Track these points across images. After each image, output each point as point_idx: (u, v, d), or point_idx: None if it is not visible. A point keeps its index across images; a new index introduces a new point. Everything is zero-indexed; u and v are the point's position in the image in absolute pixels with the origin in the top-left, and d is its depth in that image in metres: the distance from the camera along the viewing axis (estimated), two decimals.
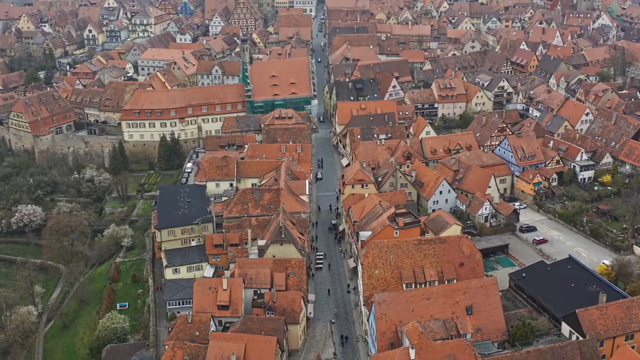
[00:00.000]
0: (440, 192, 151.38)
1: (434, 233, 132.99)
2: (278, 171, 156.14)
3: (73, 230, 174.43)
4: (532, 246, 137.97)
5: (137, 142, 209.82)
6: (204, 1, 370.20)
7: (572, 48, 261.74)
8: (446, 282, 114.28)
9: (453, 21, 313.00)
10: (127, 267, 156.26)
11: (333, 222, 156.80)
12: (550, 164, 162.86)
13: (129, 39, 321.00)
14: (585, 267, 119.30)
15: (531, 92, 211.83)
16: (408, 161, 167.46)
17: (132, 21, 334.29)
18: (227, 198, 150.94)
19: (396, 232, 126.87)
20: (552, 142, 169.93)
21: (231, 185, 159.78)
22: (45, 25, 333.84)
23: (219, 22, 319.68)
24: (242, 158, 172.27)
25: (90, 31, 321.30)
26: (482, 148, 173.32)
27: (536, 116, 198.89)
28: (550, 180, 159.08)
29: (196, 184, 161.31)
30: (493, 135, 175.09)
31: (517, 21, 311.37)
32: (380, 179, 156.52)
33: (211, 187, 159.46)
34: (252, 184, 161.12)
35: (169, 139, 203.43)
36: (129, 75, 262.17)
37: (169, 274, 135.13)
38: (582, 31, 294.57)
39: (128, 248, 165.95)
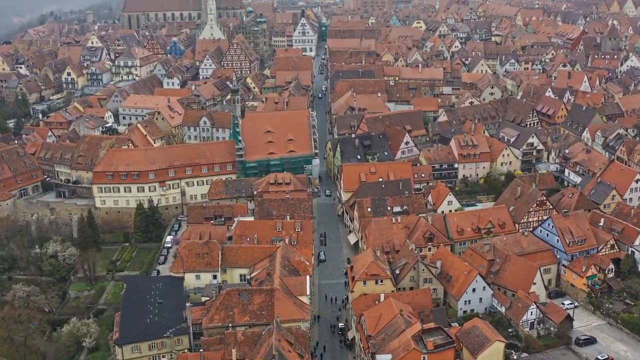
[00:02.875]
0: (474, 290, 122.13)
1: (471, 353, 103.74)
2: (272, 261, 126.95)
3: (29, 320, 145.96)
4: None
5: (111, 208, 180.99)
6: (194, 41, 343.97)
7: (602, 95, 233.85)
8: None
9: (467, 62, 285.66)
10: None
11: (341, 325, 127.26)
12: (603, 250, 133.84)
13: (111, 83, 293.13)
14: None
15: (566, 150, 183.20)
16: (430, 243, 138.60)
17: (116, 63, 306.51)
18: (207, 298, 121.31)
19: (424, 358, 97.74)
20: (602, 220, 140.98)
21: (214, 277, 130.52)
22: (21, 67, 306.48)
23: (210, 65, 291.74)
24: (230, 237, 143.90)
25: (69, 74, 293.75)
26: (517, 227, 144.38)
27: (575, 183, 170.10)
28: (607, 272, 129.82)
29: (171, 276, 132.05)
30: (531, 210, 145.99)
31: (537, 63, 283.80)
32: (397, 272, 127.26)
33: (190, 280, 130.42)
34: (240, 276, 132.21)
35: (147, 206, 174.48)
36: (107, 125, 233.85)
37: None
38: (610, 74, 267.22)
39: (90, 349, 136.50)
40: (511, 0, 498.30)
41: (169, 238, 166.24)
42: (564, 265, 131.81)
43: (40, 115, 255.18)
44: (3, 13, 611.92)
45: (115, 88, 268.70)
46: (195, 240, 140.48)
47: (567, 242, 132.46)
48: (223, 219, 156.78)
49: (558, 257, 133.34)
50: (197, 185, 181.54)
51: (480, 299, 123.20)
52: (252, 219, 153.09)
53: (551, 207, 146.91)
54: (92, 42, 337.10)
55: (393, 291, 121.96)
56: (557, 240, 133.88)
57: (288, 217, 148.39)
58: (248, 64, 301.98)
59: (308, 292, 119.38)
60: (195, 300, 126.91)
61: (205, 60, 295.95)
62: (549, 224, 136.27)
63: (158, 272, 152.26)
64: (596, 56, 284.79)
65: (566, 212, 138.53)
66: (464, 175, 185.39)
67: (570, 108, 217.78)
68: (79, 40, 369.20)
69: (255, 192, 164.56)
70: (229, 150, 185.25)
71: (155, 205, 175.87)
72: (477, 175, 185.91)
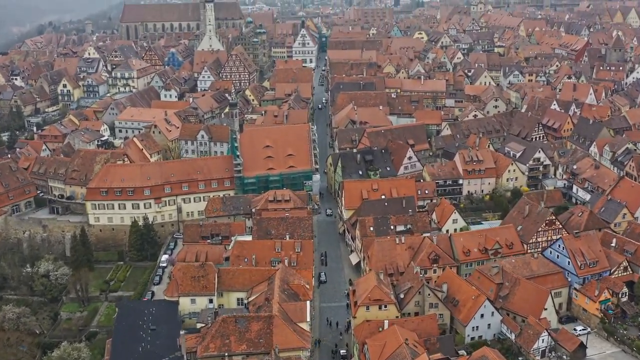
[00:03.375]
0: (482, 316, 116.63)
1: None
2: (271, 284, 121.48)
3: (19, 343, 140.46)
4: None
5: (105, 226, 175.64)
6: (193, 52, 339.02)
7: (609, 107, 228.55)
8: None
9: (470, 74, 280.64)
10: None
11: (342, 352, 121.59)
12: (616, 272, 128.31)
13: (108, 95, 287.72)
14: None
15: (574, 166, 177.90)
16: (435, 265, 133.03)
17: (113, 74, 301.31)
18: (203, 325, 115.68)
19: None
20: (614, 240, 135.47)
21: (211, 301, 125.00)
22: (16, 79, 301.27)
23: (209, 77, 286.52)
24: (227, 258, 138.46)
25: (65, 86, 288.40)
26: (526, 247, 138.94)
27: (584, 200, 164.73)
28: (620, 295, 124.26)
29: (165, 300, 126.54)
30: (540, 230, 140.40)
31: (541, 74, 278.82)
32: (402, 296, 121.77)
33: (185, 304, 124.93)
34: (238, 300, 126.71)
35: (142, 224, 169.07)
36: (103, 138, 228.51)
37: None
38: (616, 86, 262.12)
39: None
40: (513, 10, 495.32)
41: (164, 257, 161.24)
42: (575, 289, 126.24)
43: (34, 128, 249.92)
44: (3, 23, 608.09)
45: (111, 100, 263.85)
46: (191, 261, 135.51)
47: (579, 264, 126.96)
48: (220, 238, 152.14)
49: (569, 280, 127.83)
50: (194, 201, 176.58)
51: (489, 325, 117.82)
52: (250, 237, 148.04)
53: (561, 226, 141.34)
54: (89, 54, 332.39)
55: (397, 317, 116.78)
56: (568, 262, 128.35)
57: (287, 236, 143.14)
58: (247, 76, 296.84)
59: (308, 319, 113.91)
60: (190, 326, 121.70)
61: (204, 72, 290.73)
62: (559, 245, 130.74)
63: (152, 293, 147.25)
64: (601, 68, 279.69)
65: (577, 233, 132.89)
66: (468, 192, 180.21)
67: (576, 121, 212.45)
68: (76, 51, 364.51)
69: (253, 210, 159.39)
70: (227, 165, 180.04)
71: (150, 222, 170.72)
72: (482, 191, 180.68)
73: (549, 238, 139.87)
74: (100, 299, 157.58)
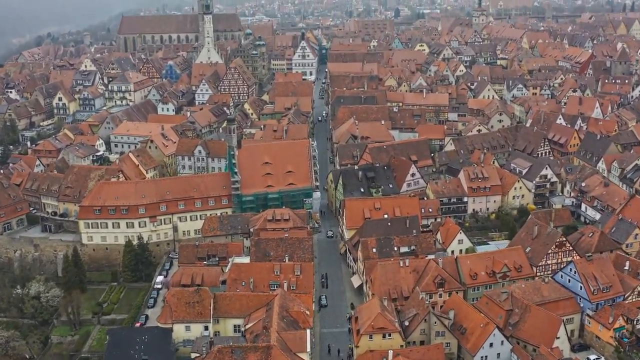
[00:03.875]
0: (491, 345, 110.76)
1: None
2: (269, 311, 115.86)
3: None
4: None
5: (98, 245, 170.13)
6: (191, 64, 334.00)
7: (616, 122, 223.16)
8: None
9: (473, 87, 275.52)
10: None
11: None
12: (631, 297, 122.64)
13: (104, 108, 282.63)
14: None
15: (582, 184, 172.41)
16: (441, 289, 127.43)
17: (109, 87, 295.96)
18: (197, 355, 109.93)
19: None
20: (627, 263, 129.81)
21: (206, 328, 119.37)
22: (11, 91, 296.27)
23: (207, 90, 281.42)
24: (224, 282, 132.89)
25: (60, 99, 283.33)
26: (535, 270, 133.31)
27: (594, 220, 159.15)
28: (635, 322, 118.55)
29: (158, 327, 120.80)
30: (550, 252, 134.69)
31: (545, 88, 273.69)
32: (407, 323, 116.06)
33: (179, 331, 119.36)
34: (234, 326, 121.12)
35: (136, 244, 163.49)
36: (98, 153, 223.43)
37: None
38: (622, 100, 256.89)
39: None
40: (515, 22, 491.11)
41: (159, 278, 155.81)
42: (588, 315, 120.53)
43: (28, 143, 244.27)
44: (3, 34, 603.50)
45: (107, 114, 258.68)
46: (186, 284, 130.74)
47: (592, 289, 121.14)
48: (217, 259, 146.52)
49: (582, 305, 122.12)
50: (190, 220, 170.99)
51: (498, 354, 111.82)
52: (247, 259, 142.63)
53: (571, 248, 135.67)
54: (86, 66, 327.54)
55: (402, 346, 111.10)
56: (581, 287, 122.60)
57: (287, 258, 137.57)
58: (246, 89, 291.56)
59: (308, 349, 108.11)
60: (184, 354, 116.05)
61: (202, 85, 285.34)
62: (571, 269, 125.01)
63: (146, 317, 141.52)
64: (606, 81, 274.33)
65: (590, 257, 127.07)
66: (473, 210, 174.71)
67: (583, 137, 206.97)
68: (73, 63, 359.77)
69: (251, 229, 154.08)
70: (225, 182, 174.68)
71: (145, 242, 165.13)
72: (488, 209, 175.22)
73: (559, 260, 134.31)
74: (93, 322, 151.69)
